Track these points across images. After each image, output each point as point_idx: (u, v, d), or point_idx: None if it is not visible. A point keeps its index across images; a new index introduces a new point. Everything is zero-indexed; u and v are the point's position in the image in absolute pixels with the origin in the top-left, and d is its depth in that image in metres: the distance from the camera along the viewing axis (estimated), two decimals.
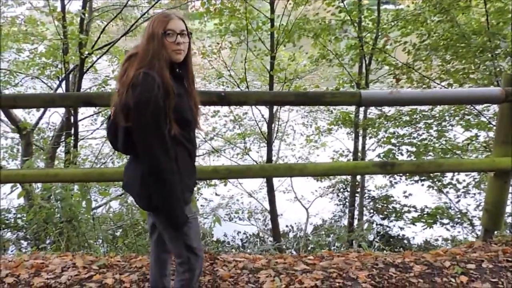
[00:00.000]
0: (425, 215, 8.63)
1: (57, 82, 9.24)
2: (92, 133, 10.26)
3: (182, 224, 1.96)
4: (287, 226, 10.77)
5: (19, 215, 5.06)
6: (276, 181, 10.78)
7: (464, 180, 8.37)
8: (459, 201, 8.48)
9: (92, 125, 10.54)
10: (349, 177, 10.46)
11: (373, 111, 9.52)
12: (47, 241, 4.70)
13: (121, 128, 1.93)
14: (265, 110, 9.98)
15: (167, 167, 1.84)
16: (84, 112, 10.41)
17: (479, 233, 4.45)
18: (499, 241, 3.39)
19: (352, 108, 9.49)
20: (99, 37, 8.39)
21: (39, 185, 5.01)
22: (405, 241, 8.79)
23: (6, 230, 5.32)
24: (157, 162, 1.83)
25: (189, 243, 2.07)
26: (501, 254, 3.14)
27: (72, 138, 8.00)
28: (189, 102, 1.99)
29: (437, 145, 8.03)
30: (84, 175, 3.04)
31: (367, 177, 10.58)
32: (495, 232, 3.53)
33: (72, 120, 8.24)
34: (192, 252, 2.10)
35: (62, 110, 9.22)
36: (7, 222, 5.45)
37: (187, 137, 1.99)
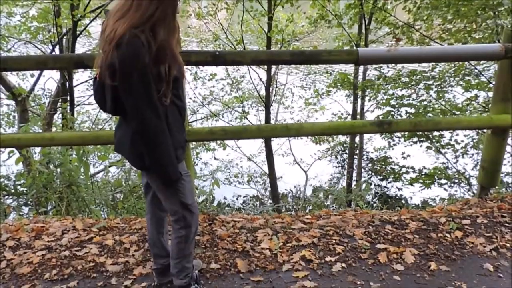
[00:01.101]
0: (423, 176, 8.71)
1: (51, 47, 9.07)
2: (88, 99, 10.18)
3: (176, 181, 1.98)
4: (286, 189, 10.89)
5: (18, 182, 5.08)
6: (274, 144, 10.83)
7: (462, 141, 8.39)
8: (457, 161, 8.53)
9: (88, 90, 10.44)
10: (347, 139, 10.48)
11: (372, 72, 9.42)
12: (48, 207, 4.74)
13: (108, 87, 1.89)
14: (263, 73, 9.88)
15: (157, 125, 1.83)
16: (79, 78, 10.31)
17: (476, 192, 4.49)
18: (495, 197, 3.43)
19: (351, 70, 9.40)
20: None
21: (37, 151, 5.01)
22: (403, 201, 8.89)
23: (6, 196, 5.36)
24: (147, 121, 1.81)
25: (183, 200, 2.09)
26: (496, 210, 3.18)
27: (68, 104, 7.93)
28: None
29: (436, 106, 7.99)
30: (80, 138, 3.03)
31: (365, 139, 10.61)
32: (491, 190, 3.56)
33: (67, 86, 8.15)
34: (187, 209, 2.13)
35: (57, 76, 9.10)
36: (7, 189, 5.48)
37: (176, 94, 1.99)
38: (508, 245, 2.75)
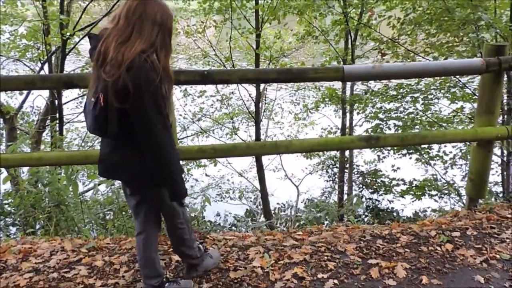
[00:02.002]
0: (414, 188, 8.77)
1: (40, 65, 9.06)
2: (77, 116, 10.13)
3: (185, 194, 2.11)
4: (278, 204, 10.86)
5: (5, 201, 5.02)
6: (265, 160, 10.83)
7: (450, 152, 8.49)
8: (446, 172, 8.62)
9: (77, 108, 10.41)
10: (338, 154, 10.54)
11: (359, 87, 9.54)
12: (36, 226, 4.68)
13: (113, 111, 1.91)
14: (252, 89, 9.94)
15: (169, 142, 1.96)
16: (68, 95, 10.27)
17: (465, 202, 4.53)
18: (483, 209, 3.46)
19: (339, 85, 9.50)
20: (80, 17, 8.22)
21: (25, 170, 4.96)
22: (394, 214, 8.93)
23: None
24: (161, 139, 1.92)
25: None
26: (485, 221, 3.21)
27: (57, 121, 7.90)
28: None
29: (423, 118, 8.09)
30: (69, 158, 3.01)
31: (355, 152, 10.67)
32: (480, 200, 3.60)
33: (56, 104, 8.12)
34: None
35: (46, 94, 9.08)
36: None
37: (167, 114, 2.04)
38: (498, 256, 2.77)
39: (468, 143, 6.77)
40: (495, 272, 2.62)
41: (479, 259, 2.75)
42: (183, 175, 2.09)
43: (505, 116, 6.25)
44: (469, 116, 7.65)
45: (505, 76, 5.80)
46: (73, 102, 10.20)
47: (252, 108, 9.77)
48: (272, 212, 9.55)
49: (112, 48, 1.85)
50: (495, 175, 7.85)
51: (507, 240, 2.95)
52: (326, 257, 2.82)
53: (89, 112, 2.00)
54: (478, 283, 2.52)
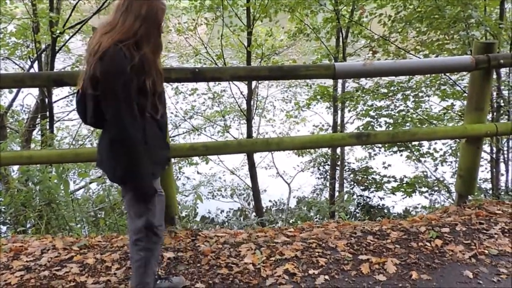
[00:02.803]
0: (404, 185, 8.83)
1: (29, 63, 8.97)
2: (68, 115, 10.07)
3: (150, 196, 1.98)
4: (270, 201, 10.89)
5: None
6: (257, 157, 10.84)
7: (441, 149, 8.56)
8: (436, 169, 8.69)
9: (67, 106, 10.34)
10: (329, 151, 10.58)
11: (351, 84, 9.57)
12: (27, 225, 4.65)
13: (90, 97, 1.93)
14: (244, 87, 9.94)
15: (133, 136, 1.87)
16: (59, 94, 10.19)
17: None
18: (473, 205, 3.50)
19: (331, 82, 9.53)
20: (70, 15, 8.16)
21: (16, 168, 4.93)
22: (385, 211, 8.98)
23: None
24: (125, 131, 1.85)
25: (151, 219, 2.06)
26: (474, 217, 3.25)
27: (48, 120, 7.84)
28: (160, 76, 2.03)
29: (414, 116, 8.15)
30: (59, 156, 3.00)
31: (347, 150, 10.72)
32: (469, 197, 3.64)
33: (46, 102, 8.06)
34: (152, 230, 2.09)
35: (36, 92, 9.00)
36: None
37: (156, 110, 2.01)
38: (486, 251, 2.81)
39: (457, 140, 6.85)
40: (483, 267, 2.65)
41: (468, 254, 2.78)
42: (150, 175, 1.96)
43: (495, 113, 6.32)
44: (459, 113, 7.72)
45: (495, 73, 5.87)
46: (64, 100, 10.13)
47: (244, 105, 9.78)
48: (264, 209, 9.57)
49: (95, 39, 1.89)
50: (484, 172, 7.94)
51: (496, 236, 2.99)
52: (317, 253, 2.84)
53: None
54: (466, 278, 2.55)
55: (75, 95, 2.09)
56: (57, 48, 7.95)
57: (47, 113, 8.07)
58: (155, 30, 1.92)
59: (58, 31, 7.37)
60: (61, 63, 10.62)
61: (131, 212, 2.11)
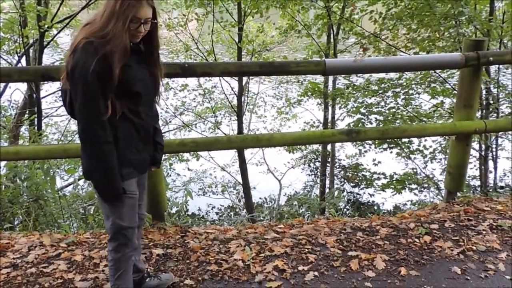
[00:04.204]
0: (394, 182, 8.88)
1: (17, 58, 8.85)
2: (56, 110, 9.96)
3: (114, 197, 1.92)
4: (260, 198, 10.89)
5: None
6: (248, 154, 10.83)
7: (430, 146, 8.61)
8: (426, 166, 8.75)
9: (56, 102, 10.22)
10: (320, 148, 10.61)
11: (342, 81, 9.59)
12: (14, 222, 4.59)
13: (67, 92, 1.93)
14: (235, 83, 9.91)
15: (99, 135, 1.82)
16: (48, 89, 10.08)
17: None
18: (461, 201, 3.53)
19: (322, 79, 9.54)
20: (58, 9, 8.04)
21: (2, 164, 4.86)
22: (375, 207, 9.04)
23: None
24: (89, 128, 1.82)
25: (118, 221, 2.01)
26: (462, 214, 3.27)
27: (36, 116, 7.74)
28: (143, 76, 1.96)
29: (404, 113, 8.19)
30: (47, 152, 2.96)
31: (337, 146, 10.76)
32: (458, 194, 3.67)
33: (35, 97, 7.96)
34: (119, 232, 2.03)
35: (24, 87, 8.89)
36: None
37: (134, 110, 1.94)
38: (474, 248, 2.83)
39: (447, 137, 6.89)
40: (471, 263, 2.67)
41: (456, 250, 2.80)
42: (116, 176, 1.88)
43: (484, 111, 6.38)
44: (449, 111, 7.77)
45: (485, 71, 5.92)
46: (52, 96, 10.02)
47: (235, 102, 9.75)
48: (254, 206, 9.57)
49: (75, 35, 1.88)
50: (473, 169, 8.01)
51: (484, 232, 3.02)
52: (306, 250, 2.85)
53: None
54: (455, 274, 2.57)
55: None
56: (45, 43, 7.84)
57: (35, 108, 7.97)
58: (125, 28, 1.80)
59: (46, 26, 7.27)
60: (49, 58, 10.50)
61: (102, 209, 2.09)
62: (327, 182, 9.93)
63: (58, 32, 8.20)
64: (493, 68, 6.49)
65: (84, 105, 1.80)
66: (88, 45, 1.77)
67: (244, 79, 9.67)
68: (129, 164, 1.97)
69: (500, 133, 7.06)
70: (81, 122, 1.83)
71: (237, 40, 8.58)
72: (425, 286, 2.47)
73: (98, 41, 1.77)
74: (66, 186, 7.03)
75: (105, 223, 2.09)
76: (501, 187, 7.51)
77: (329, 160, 10.12)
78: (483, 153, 6.83)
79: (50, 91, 9.91)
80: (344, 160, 10.86)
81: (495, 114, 6.55)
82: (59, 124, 11.05)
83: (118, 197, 1.93)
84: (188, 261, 2.73)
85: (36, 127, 7.46)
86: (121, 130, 1.91)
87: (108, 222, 2.04)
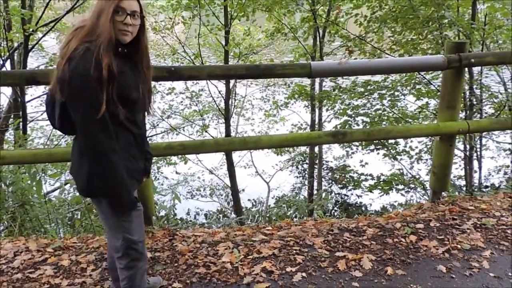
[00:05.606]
0: (381, 183, 8.96)
1: (1, 62, 8.74)
2: (42, 114, 9.84)
3: (129, 207, 1.87)
4: (249, 200, 10.90)
5: None
6: (236, 156, 10.84)
7: (416, 147, 8.71)
8: (412, 167, 8.84)
9: (42, 105, 10.10)
10: (307, 150, 10.66)
11: (328, 83, 9.66)
12: (0, 227, 4.53)
13: (58, 102, 1.81)
14: (222, 86, 9.92)
15: (106, 145, 1.75)
16: (33, 93, 9.96)
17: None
18: (446, 201, 3.58)
19: (309, 81, 9.59)
20: (43, 12, 7.98)
21: None
22: (363, 208, 9.10)
23: None
24: (95, 140, 1.73)
25: (129, 236, 1.95)
26: (447, 213, 3.32)
27: (21, 120, 7.65)
28: (137, 82, 1.90)
29: (390, 114, 8.28)
30: (32, 156, 2.93)
31: (325, 148, 10.82)
32: (444, 193, 3.72)
33: (20, 101, 7.86)
34: (131, 248, 1.97)
35: (8, 92, 8.78)
36: None
37: (131, 119, 1.88)
38: (459, 246, 2.87)
39: (432, 138, 6.98)
40: (456, 261, 2.72)
41: (441, 249, 2.84)
42: (128, 186, 1.84)
43: (468, 112, 6.47)
44: (434, 112, 7.87)
45: (468, 72, 6.02)
46: (37, 99, 9.90)
47: (223, 105, 9.76)
48: (243, 209, 9.57)
49: (65, 40, 1.79)
50: (458, 169, 8.12)
51: (468, 231, 3.07)
52: (294, 251, 2.86)
53: None
54: (440, 273, 2.61)
55: (46, 96, 1.97)
56: (30, 46, 7.76)
57: (20, 112, 7.87)
58: (110, 21, 1.73)
59: (31, 29, 7.20)
60: (34, 61, 10.38)
61: (107, 227, 2.01)
62: (315, 183, 9.98)
63: (43, 36, 8.12)
64: (476, 69, 6.60)
65: (86, 115, 1.71)
66: (86, 52, 1.69)
67: (231, 82, 9.68)
68: (130, 175, 1.89)
69: (484, 133, 7.17)
70: (85, 134, 1.74)
71: (223, 43, 8.59)
72: (411, 285, 2.50)
73: (94, 45, 1.71)
74: (53, 191, 6.96)
75: (111, 241, 2.02)
76: (486, 187, 7.62)
77: (317, 162, 10.17)
78: (467, 153, 6.93)
79: (35, 95, 9.80)
80: (331, 161, 10.93)
81: (479, 115, 6.66)
82: (45, 128, 10.93)
83: (134, 207, 1.88)
84: (176, 264, 2.73)
85: (21, 131, 7.37)
86: (120, 139, 1.84)
87: (116, 239, 1.96)
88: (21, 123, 7.54)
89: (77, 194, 5.59)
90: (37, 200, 4.21)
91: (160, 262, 2.76)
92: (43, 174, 5.34)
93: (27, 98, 8.32)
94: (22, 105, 7.71)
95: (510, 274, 2.57)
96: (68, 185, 5.69)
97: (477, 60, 3.15)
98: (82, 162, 1.84)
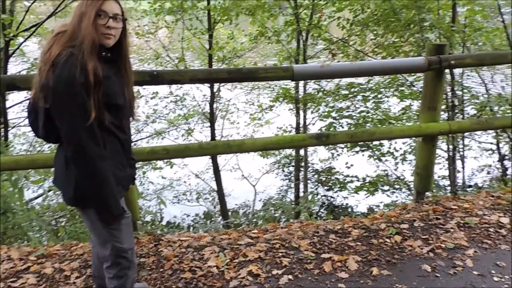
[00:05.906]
0: (367, 184, 9.03)
1: None
2: (24, 120, 9.70)
3: (117, 217, 1.84)
4: (236, 204, 10.87)
5: None
6: (222, 160, 10.81)
7: (400, 148, 8.81)
8: (397, 168, 8.93)
9: (24, 111, 9.95)
10: (293, 152, 10.69)
11: (312, 86, 9.72)
12: None
13: (41, 110, 1.76)
14: (206, 90, 9.90)
15: (94, 152, 1.71)
16: (14, 99, 9.81)
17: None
18: (430, 201, 3.62)
19: (293, 84, 9.63)
20: (24, 17, 7.88)
21: None
22: (349, 210, 9.15)
23: None
24: (82, 148, 1.69)
25: (118, 245, 1.93)
26: (431, 213, 3.36)
27: (2, 126, 7.53)
28: (122, 87, 1.87)
29: (374, 116, 8.36)
30: (14, 162, 2.89)
31: (310, 151, 10.86)
32: (428, 193, 3.76)
33: (0, 107, 7.74)
34: (120, 256, 1.95)
35: None
36: None
37: (118, 125, 1.85)
38: (443, 245, 2.91)
39: (416, 139, 7.07)
40: (440, 260, 2.75)
41: (426, 249, 2.87)
42: (117, 194, 1.82)
43: (450, 112, 6.57)
44: (417, 113, 7.98)
45: (450, 74, 6.11)
46: (19, 105, 9.75)
47: (207, 109, 9.74)
48: (230, 212, 9.55)
49: (47, 45, 1.74)
50: (442, 169, 8.23)
51: (452, 230, 3.11)
52: (280, 254, 2.86)
53: None
54: (425, 272, 2.63)
55: (28, 104, 1.91)
56: (10, 51, 7.66)
57: (2, 119, 7.75)
58: (92, 24, 1.70)
59: (11, 34, 7.11)
60: (14, 66, 10.22)
61: (94, 237, 1.97)
62: (301, 186, 10.01)
63: (24, 41, 8.03)
64: (457, 71, 6.71)
65: (73, 122, 1.67)
66: (70, 57, 1.66)
67: (216, 85, 9.67)
68: (119, 182, 1.86)
69: (467, 133, 7.29)
70: (72, 142, 1.70)
71: (207, 47, 8.58)
72: (396, 285, 2.52)
73: (77, 50, 1.67)
74: (36, 198, 6.86)
75: (99, 250, 1.98)
76: (469, 186, 7.75)
77: (303, 164, 10.20)
78: (451, 154, 7.03)
79: (16, 100, 9.66)
80: (317, 164, 10.96)
81: (461, 116, 6.76)
82: (27, 134, 10.76)
83: (122, 217, 1.85)
84: (161, 270, 2.71)
85: (3, 138, 7.26)
86: (108, 146, 1.81)
87: (105, 248, 1.93)
88: (2, 130, 7.42)
89: (61, 200, 5.53)
90: (19, 208, 4.14)
91: (146, 268, 2.73)
92: (25, 181, 5.27)
93: (8, 104, 8.20)
94: (3, 111, 7.59)
95: (493, 271, 2.61)
96: (52, 191, 5.62)
97: (457, 61, 3.19)
98: (68, 171, 1.80)
